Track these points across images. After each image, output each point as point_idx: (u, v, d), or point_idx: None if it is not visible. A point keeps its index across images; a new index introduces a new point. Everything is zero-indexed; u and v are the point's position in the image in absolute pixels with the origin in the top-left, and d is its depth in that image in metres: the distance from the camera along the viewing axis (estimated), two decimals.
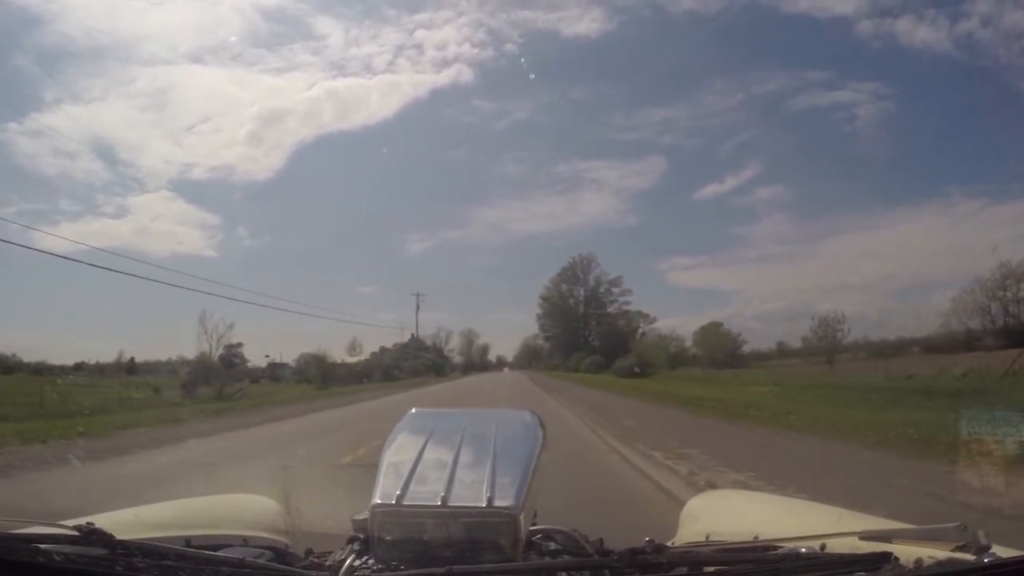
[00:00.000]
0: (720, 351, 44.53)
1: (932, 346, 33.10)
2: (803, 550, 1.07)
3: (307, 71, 56.72)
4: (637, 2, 54.04)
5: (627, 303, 56.74)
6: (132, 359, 35.62)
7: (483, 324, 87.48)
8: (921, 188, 57.77)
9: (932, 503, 5.41)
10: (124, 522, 1.33)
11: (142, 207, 50.63)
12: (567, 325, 58.56)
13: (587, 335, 58.12)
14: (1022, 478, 4.41)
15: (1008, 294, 33.59)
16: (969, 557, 0.95)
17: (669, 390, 24.44)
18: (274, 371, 45.18)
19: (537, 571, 1.11)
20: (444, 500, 1.07)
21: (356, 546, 1.14)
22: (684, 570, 1.02)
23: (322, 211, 69.36)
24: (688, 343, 48.58)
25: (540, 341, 65.14)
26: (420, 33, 51.28)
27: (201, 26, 63.63)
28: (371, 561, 1.08)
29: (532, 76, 59.01)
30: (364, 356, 54.06)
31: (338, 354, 50.51)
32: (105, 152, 52.01)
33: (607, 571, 1.01)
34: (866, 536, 1.03)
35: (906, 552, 0.99)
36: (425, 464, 1.17)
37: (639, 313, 55.69)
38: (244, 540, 1.39)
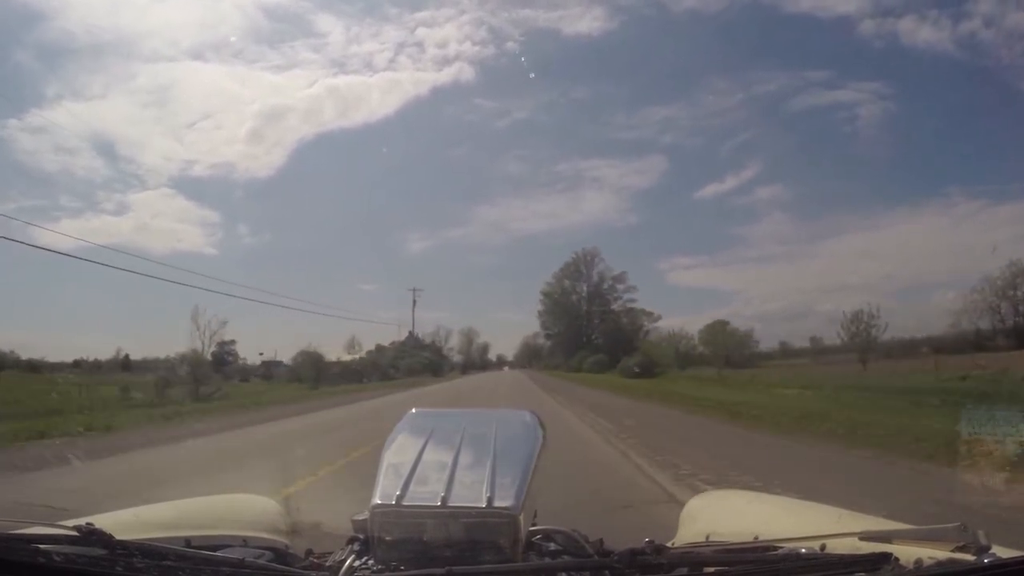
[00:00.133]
0: (734, 350, 42.45)
1: (941, 346, 32.36)
2: (803, 550, 1.07)
3: (308, 68, 56.39)
4: (638, 1, 53.96)
5: (632, 300, 54.68)
6: (127, 356, 35.46)
7: (483, 323, 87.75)
8: (921, 188, 57.68)
9: None
10: (124, 522, 1.33)
11: (142, 204, 50.56)
12: (569, 322, 56.57)
13: (590, 333, 55.94)
14: None
15: (1019, 293, 32.78)
16: (969, 557, 0.95)
17: (688, 392, 22.17)
18: (268, 369, 44.39)
19: (537, 571, 1.11)
20: (444, 500, 1.07)
21: (356, 546, 1.14)
22: (684, 570, 1.02)
23: (323, 209, 69.29)
24: (693, 342, 46.95)
25: (541, 340, 64.08)
26: (421, 31, 51.32)
27: (202, 23, 63.94)
28: (371, 561, 1.08)
29: (532, 76, 59.01)
30: (361, 354, 53.04)
31: (337, 352, 49.85)
32: (106, 149, 52.33)
33: (607, 571, 1.01)
34: (866, 536, 1.03)
35: (906, 552, 0.99)
36: (425, 464, 1.17)
37: (643, 311, 53.56)
38: (244, 540, 1.39)
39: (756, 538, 1.23)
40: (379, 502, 1.09)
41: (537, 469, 1.21)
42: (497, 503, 1.07)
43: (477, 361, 69.05)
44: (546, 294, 57.08)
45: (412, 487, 1.11)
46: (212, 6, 60.32)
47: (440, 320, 71.53)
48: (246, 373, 42.62)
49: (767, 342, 45.26)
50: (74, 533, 1.05)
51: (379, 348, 55.87)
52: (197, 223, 59.68)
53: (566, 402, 20.14)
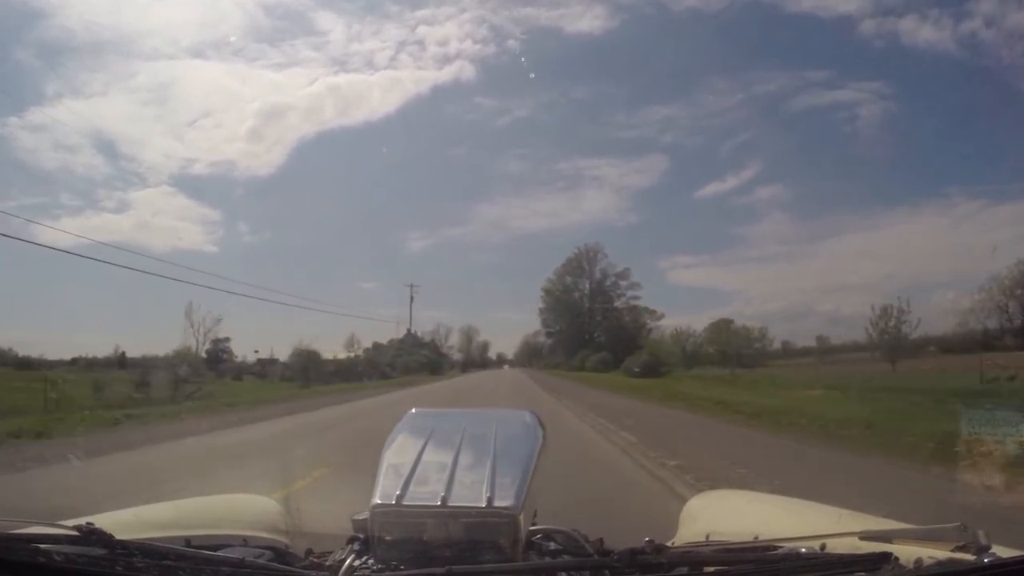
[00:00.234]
0: (740, 349, 41.26)
1: (949, 346, 31.86)
2: (803, 550, 1.07)
3: (309, 67, 56.21)
4: (639, 0, 53.86)
5: (635, 297, 53.29)
6: (123, 354, 35.28)
7: (484, 322, 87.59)
8: (922, 188, 57.50)
9: None
10: (124, 522, 1.34)
11: (143, 202, 50.51)
12: (571, 320, 55.22)
13: (592, 331, 54.35)
14: None
15: None
16: (969, 557, 0.95)
17: (703, 394, 19.86)
18: (263, 367, 43.66)
19: (537, 571, 1.11)
20: (444, 500, 1.07)
21: (356, 546, 1.14)
22: (684, 570, 1.02)
23: (323, 207, 69.13)
24: (699, 341, 45.61)
25: (541, 338, 63.29)
26: (422, 29, 51.07)
27: (203, 21, 63.73)
28: (371, 561, 1.08)
29: (532, 76, 58.85)
30: (358, 353, 52.10)
31: (337, 351, 49.27)
32: (106, 147, 51.92)
33: (607, 571, 1.01)
34: (866, 536, 1.03)
35: (906, 552, 0.99)
36: (425, 464, 1.17)
37: (645, 309, 52.58)
38: (244, 540, 1.39)
39: (756, 538, 1.23)
40: (379, 502, 1.09)
41: (537, 469, 1.21)
42: (497, 503, 1.07)
43: (477, 360, 69.03)
44: (547, 291, 55.89)
45: (412, 487, 1.11)
46: (212, 4, 60.27)
47: (441, 319, 71.29)
48: (241, 371, 42.12)
49: (768, 342, 44.95)
50: (74, 533, 1.05)
51: (376, 346, 55.10)
52: (197, 221, 60.18)
53: (573, 404, 18.03)
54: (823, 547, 1.08)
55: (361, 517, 1.13)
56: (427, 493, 1.09)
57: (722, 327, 43.98)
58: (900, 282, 55.84)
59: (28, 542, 1.02)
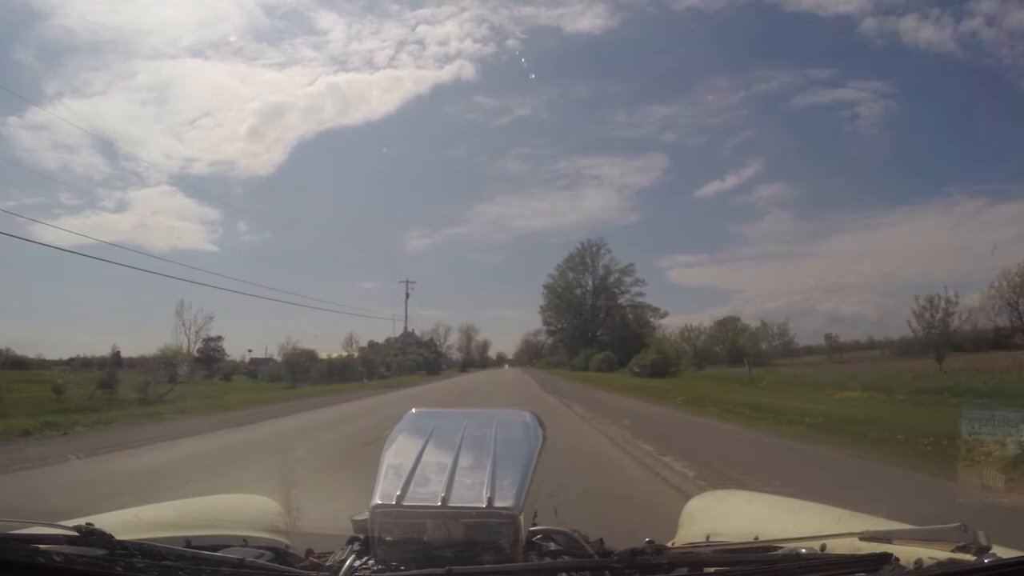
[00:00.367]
0: (751, 348, 39.28)
1: (959, 344, 29.93)
2: (803, 551, 1.07)
3: (308, 66, 55.99)
4: None
5: (640, 294, 51.69)
6: (117, 353, 34.92)
7: (484, 321, 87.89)
8: (922, 187, 57.44)
9: None
10: (124, 522, 1.33)
11: (142, 201, 50.21)
12: (574, 318, 53.65)
13: (596, 329, 52.45)
14: None
15: None
16: (969, 558, 0.95)
17: (729, 397, 17.49)
18: (256, 367, 42.60)
19: (537, 571, 1.11)
20: (444, 501, 1.07)
21: (356, 546, 1.14)
22: (684, 571, 1.02)
23: (323, 207, 68.86)
24: (709, 339, 43.92)
25: (542, 337, 62.60)
26: (422, 28, 51.09)
27: (202, 20, 63.99)
28: (371, 561, 1.08)
29: (533, 76, 58.76)
30: (354, 352, 50.72)
31: (335, 350, 48.11)
32: (106, 146, 51.69)
33: (607, 572, 1.01)
34: (866, 537, 1.03)
35: (906, 553, 0.99)
36: (425, 465, 1.17)
37: (649, 307, 51.29)
38: (244, 540, 1.39)
39: (756, 538, 1.23)
40: (379, 502, 1.09)
41: (537, 469, 1.21)
42: (497, 503, 1.07)
43: (477, 359, 69.14)
44: (549, 287, 54.46)
45: (412, 487, 1.11)
46: (212, 4, 60.48)
47: (441, 318, 71.43)
48: (232, 370, 41.38)
49: (787, 340, 43.96)
50: (74, 533, 1.05)
51: (372, 345, 54.11)
52: (197, 221, 60.08)
53: (591, 414, 14.91)
54: (823, 547, 1.08)
55: (361, 517, 1.13)
56: (427, 493, 1.09)
57: (728, 325, 43.10)
58: (901, 281, 56.07)
59: (28, 542, 1.02)
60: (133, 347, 39.31)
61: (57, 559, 0.97)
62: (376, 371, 45.82)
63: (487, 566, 1.02)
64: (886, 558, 0.98)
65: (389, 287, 73.40)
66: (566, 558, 1.15)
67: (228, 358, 43.66)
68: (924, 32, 42.71)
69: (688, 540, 1.44)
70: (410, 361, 53.21)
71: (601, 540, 1.24)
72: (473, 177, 66.01)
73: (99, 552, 1.02)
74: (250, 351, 45.37)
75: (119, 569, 0.97)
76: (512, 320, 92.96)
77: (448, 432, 1.29)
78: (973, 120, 46.18)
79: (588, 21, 57.96)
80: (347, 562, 1.09)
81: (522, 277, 73.30)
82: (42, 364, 30.53)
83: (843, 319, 65.30)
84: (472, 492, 1.09)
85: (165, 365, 27.48)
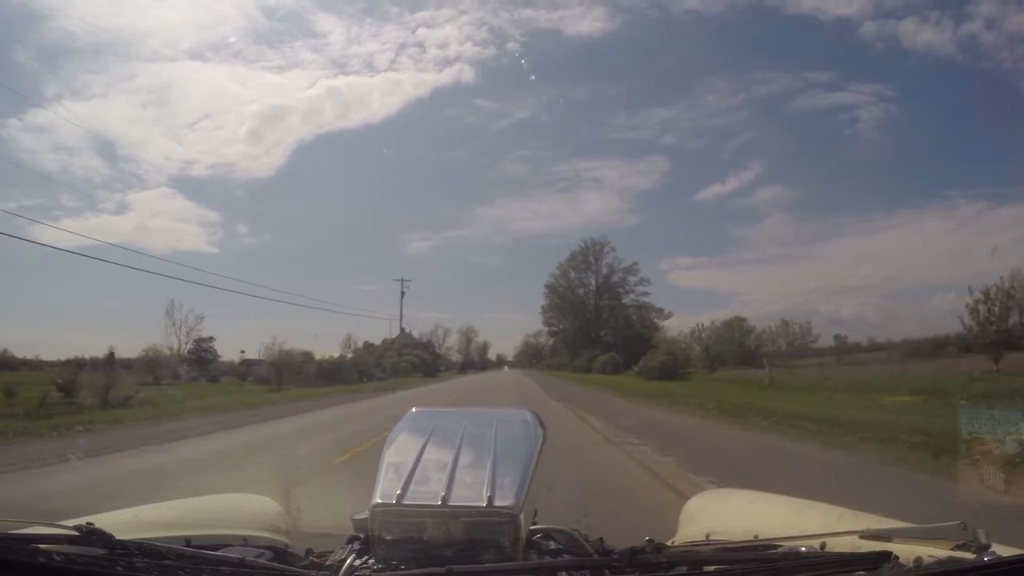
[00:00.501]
0: (753, 348, 38.49)
1: (964, 345, 29.42)
2: (803, 549, 1.07)
3: (308, 69, 56.02)
4: (639, 1, 53.87)
5: (645, 294, 50.22)
6: (112, 354, 34.77)
7: (484, 324, 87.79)
8: (922, 191, 57.51)
9: None
10: (124, 522, 1.33)
11: (142, 203, 50.33)
12: (576, 318, 52.17)
13: (599, 329, 50.79)
14: None
15: None
16: (969, 556, 0.95)
17: (765, 404, 14.89)
18: (248, 368, 41.08)
19: (537, 571, 1.11)
20: (444, 500, 1.07)
21: (356, 546, 1.14)
22: (684, 569, 1.02)
23: (323, 209, 68.85)
24: (716, 339, 42.27)
25: (543, 338, 61.99)
26: (422, 31, 51.25)
27: (202, 23, 64.14)
28: (371, 561, 1.08)
29: (532, 78, 58.72)
30: (347, 353, 49.55)
31: (333, 351, 47.08)
32: (106, 148, 51.91)
33: (607, 571, 1.01)
34: (866, 535, 1.03)
35: (906, 551, 0.99)
36: (425, 464, 1.17)
37: (654, 307, 49.79)
38: (244, 540, 1.39)
39: (756, 537, 1.23)
40: (379, 501, 1.09)
41: (537, 468, 1.21)
42: (497, 502, 1.07)
43: (476, 361, 68.98)
44: (550, 287, 53.08)
45: (412, 486, 1.11)
46: (212, 6, 60.40)
47: (441, 320, 71.42)
48: (227, 372, 40.44)
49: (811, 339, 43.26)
50: (74, 533, 1.05)
51: (367, 346, 53.11)
52: (197, 222, 59.82)
53: (617, 431, 11.56)
54: (823, 546, 1.08)
55: (361, 516, 1.13)
56: (427, 493, 1.09)
57: (734, 326, 42.05)
58: (901, 284, 55.97)
59: (28, 542, 1.01)
60: (132, 348, 39.13)
61: (57, 559, 0.97)
62: (370, 373, 45.00)
63: (487, 565, 1.01)
64: (886, 556, 0.98)
65: (389, 289, 73.27)
66: (566, 557, 1.15)
67: (221, 359, 43.06)
68: (924, 35, 42.87)
69: (688, 539, 1.43)
70: (406, 362, 52.14)
71: (601, 539, 1.24)
72: (473, 180, 66.39)
73: (99, 552, 1.02)
74: (242, 352, 44.29)
75: (119, 569, 0.97)
76: (512, 322, 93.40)
77: (448, 431, 1.29)
78: (973, 123, 46.44)
79: (588, 24, 58.01)
80: (347, 561, 1.09)
81: (522, 279, 73.50)
82: (38, 365, 30.53)
83: (844, 322, 65.65)
84: (472, 491, 1.09)
85: (149, 367, 27.11)
